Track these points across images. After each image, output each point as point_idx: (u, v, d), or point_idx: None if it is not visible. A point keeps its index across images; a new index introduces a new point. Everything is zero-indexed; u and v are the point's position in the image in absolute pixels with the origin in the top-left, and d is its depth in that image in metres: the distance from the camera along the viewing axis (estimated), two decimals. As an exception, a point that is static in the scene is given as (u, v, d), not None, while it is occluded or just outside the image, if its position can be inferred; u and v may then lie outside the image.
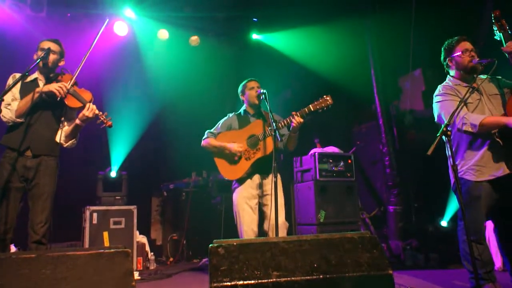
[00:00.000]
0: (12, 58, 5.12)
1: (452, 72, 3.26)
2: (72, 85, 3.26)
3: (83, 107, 3.23)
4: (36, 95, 3.16)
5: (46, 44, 3.31)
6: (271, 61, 7.29)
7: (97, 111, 3.22)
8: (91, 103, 3.24)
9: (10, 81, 3.28)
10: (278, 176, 3.70)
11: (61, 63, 3.43)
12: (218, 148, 3.80)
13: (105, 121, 3.23)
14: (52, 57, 3.30)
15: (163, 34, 6.74)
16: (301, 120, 3.44)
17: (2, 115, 3.19)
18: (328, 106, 3.46)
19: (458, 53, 3.15)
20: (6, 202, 3.07)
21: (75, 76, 3.28)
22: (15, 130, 3.20)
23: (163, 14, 6.59)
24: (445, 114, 3.05)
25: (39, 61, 3.18)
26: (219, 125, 3.94)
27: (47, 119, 3.28)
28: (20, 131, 3.19)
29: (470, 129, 2.91)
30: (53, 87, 3.16)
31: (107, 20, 3.45)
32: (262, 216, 3.73)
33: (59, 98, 3.16)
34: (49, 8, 5.79)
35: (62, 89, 3.16)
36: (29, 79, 3.34)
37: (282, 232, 3.55)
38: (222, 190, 6.47)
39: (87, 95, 3.31)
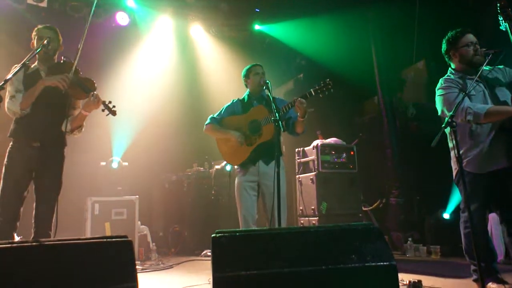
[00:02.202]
0: (11, 48, 5.08)
1: (454, 65, 3.22)
2: (74, 74, 3.22)
3: (87, 96, 3.21)
4: (40, 87, 3.14)
5: (45, 32, 3.26)
6: (274, 51, 7.25)
7: (101, 100, 3.20)
8: (95, 92, 3.21)
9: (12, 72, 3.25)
10: (282, 164, 3.70)
11: (60, 49, 3.39)
12: (220, 134, 3.81)
13: (110, 109, 3.21)
14: (51, 45, 3.26)
15: None
16: (303, 101, 3.41)
17: (7, 108, 3.16)
18: (329, 89, 3.44)
19: (463, 46, 3.11)
20: (12, 192, 3.08)
21: (75, 64, 3.23)
22: (23, 121, 3.19)
23: (165, 3, 6.56)
24: (448, 107, 3.02)
25: (40, 49, 3.13)
26: (223, 111, 3.92)
27: (52, 109, 3.25)
28: (26, 122, 3.18)
29: (474, 119, 2.87)
30: (56, 79, 3.12)
31: (95, 1, 3.37)
32: (262, 205, 3.73)
33: (63, 91, 3.12)
34: (50, -3, 5.76)
35: (65, 81, 3.12)
36: (30, 69, 3.29)
37: (283, 224, 3.53)
38: (223, 180, 6.46)
39: (90, 83, 3.28)
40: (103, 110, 3.22)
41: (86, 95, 3.21)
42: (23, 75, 3.24)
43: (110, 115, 3.24)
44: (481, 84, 3.07)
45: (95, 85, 3.31)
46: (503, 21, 3.02)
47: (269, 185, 3.58)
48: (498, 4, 3.03)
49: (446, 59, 3.27)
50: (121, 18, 6.29)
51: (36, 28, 3.32)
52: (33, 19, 5.53)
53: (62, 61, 3.36)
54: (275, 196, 3.00)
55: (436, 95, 3.17)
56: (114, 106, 3.23)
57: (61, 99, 3.24)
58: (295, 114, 3.61)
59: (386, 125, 6.41)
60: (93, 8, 3.34)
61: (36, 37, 3.28)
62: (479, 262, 2.60)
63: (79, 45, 3.17)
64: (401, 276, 3.40)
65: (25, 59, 3.01)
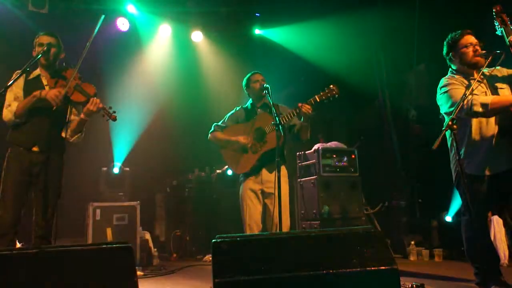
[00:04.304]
0: (13, 55, 5.10)
1: (455, 66, 3.21)
2: (76, 80, 3.24)
3: (87, 101, 3.22)
4: (33, 99, 3.14)
5: (45, 39, 3.27)
6: (274, 56, 7.26)
7: (101, 105, 3.20)
8: (95, 97, 3.21)
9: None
10: (285, 173, 3.68)
11: (62, 56, 3.41)
12: (225, 142, 3.78)
13: (110, 114, 3.22)
14: (52, 51, 3.28)
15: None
16: (309, 106, 3.40)
17: (3, 116, 3.20)
18: (334, 95, 3.44)
19: (463, 47, 3.09)
20: (12, 195, 3.10)
21: (76, 70, 3.24)
22: (21, 127, 3.21)
23: (166, 9, 6.58)
24: (454, 102, 2.99)
25: (40, 56, 3.16)
26: (226, 119, 3.91)
27: (53, 115, 3.24)
28: (26, 128, 3.20)
29: (480, 109, 2.81)
30: (49, 95, 3.10)
31: (103, 16, 3.38)
32: (265, 212, 3.72)
33: (54, 108, 3.09)
34: (51, 4, 5.77)
35: (58, 98, 3.10)
36: (32, 76, 3.31)
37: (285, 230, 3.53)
38: (225, 185, 6.47)
39: (90, 89, 3.30)
40: (103, 116, 3.24)
41: (86, 100, 3.22)
42: (23, 82, 3.26)
43: (110, 120, 3.26)
44: (483, 85, 3.05)
45: (95, 90, 3.32)
46: (498, 26, 3.02)
47: (271, 194, 3.58)
48: (493, 10, 3.04)
49: (447, 61, 3.26)
50: (122, 24, 6.32)
51: (37, 36, 3.34)
52: (35, 26, 5.55)
53: (64, 67, 3.38)
54: (275, 201, 3.00)
55: (439, 93, 3.14)
56: (114, 112, 3.25)
57: (62, 105, 3.25)
58: (299, 120, 3.60)
59: (387, 128, 6.41)
60: (98, 25, 3.32)
61: (36, 45, 3.30)
62: (481, 265, 2.59)
63: (82, 53, 3.18)
64: (403, 279, 3.38)
65: (25, 65, 3.03)
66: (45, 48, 3.17)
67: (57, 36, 3.37)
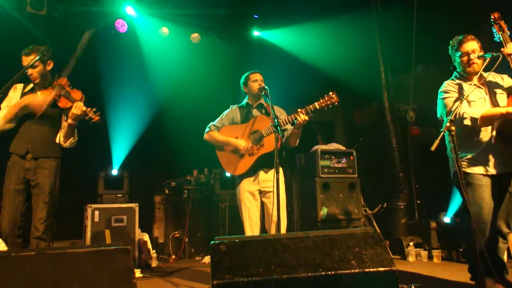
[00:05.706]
0: (11, 57, 5.10)
1: (458, 69, 3.23)
2: (63, 86, 3.32)
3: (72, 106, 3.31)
4: (19, 106, 3.27)
5: (23, 60, 3.34)
6: (272, 58, 7.26)
7: (84, 108, 3.28)
8: (79, 102, 3.30)
9: (11, 91, 3.41)
10: (281, 173, 3.67)
11: (49, 67, 3.45)
12: (223, 143, 3.76)
13: (93, 116, 3.30)
14: (31, 71, 3.33)
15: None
16: (306, 118, 3.41)
17: None
18: (333, 103, 3.45)
19: (459, 56, 3.12)
20: (8, 203, 3.24)
21: (65, 77, 3.34)
22: (17, 134, 3.36)
23: (164, 11, 6.58)
24: (447, 112, 3.03)
25: (17, 80, 3.25)
26: (222, 117, 3.89)
27: (46, 122, 3.39)
28: (21, 135, 3.35)
29: (470, 123, 2.86)
30: (35, 101, 3.24)
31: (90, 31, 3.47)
32: (263, 213, 3.71)
33: (37, 117, 3.25)
34: (50, 6, 5.76)
35: (41, 107, 3.24)
36: (27, 88, 3.46)
37: (283, 230, 3.53)
38: (223, 187, 6.47)
39: (77, 94, 3.42)
40: (87, 118, 3.30)
41: (71, 105, 3.31)
42: (20, 94, 3.40)
43: (95, 122, 3.32)
44: (481, 90, 3.07)
45: (82, 95, 3.41)
46: (496, 32, 3.04)
47: (268, 193, 3.59)
48: (491, 17, 3.06)
49: (452, 61, 3.28)
50: (120, 26, 6.32)
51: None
52: (33, 28, 5.54)
53: (56, 77, 3.47)
54: (274, 202, 3.00)
55: (438, 97, 3.19)
56: (98, 114, 3.31)
57: (54, 111, 3.39)
58: (292, 125, 3.60)
59: (385, 130, 6.41)
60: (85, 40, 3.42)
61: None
62: (480, 265, 2.59)
63: (70, 63, 3.28)
64: (402, 281, 3.39)
65: (12, 79, 3.10)
66: (25, 72, 3.26)
67: (36, 50, 3.34)
